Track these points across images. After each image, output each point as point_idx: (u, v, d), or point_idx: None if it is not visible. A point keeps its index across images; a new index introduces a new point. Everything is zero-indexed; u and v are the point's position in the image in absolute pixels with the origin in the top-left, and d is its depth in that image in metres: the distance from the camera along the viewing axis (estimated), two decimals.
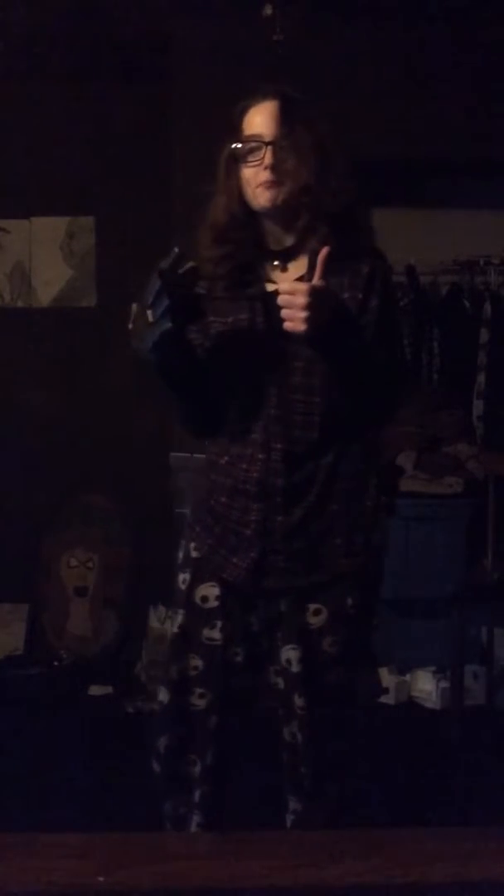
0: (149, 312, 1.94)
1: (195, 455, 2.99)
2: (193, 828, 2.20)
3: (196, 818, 2.20)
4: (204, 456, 2.26)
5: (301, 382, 2.05)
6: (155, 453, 4.03)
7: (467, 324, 4.66)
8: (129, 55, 4.46)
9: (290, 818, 2.18)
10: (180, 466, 3.94)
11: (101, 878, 1.27)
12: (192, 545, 2.19)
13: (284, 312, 1.90)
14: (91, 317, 4.80)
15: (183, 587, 2.19)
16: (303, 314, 1.87)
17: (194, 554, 2.19)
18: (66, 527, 4.74)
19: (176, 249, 1.94)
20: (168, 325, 1.93)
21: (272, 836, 1.57)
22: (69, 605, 4.69)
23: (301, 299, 1.87)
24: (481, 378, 4.62)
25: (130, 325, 2.00)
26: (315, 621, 2.10)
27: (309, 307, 1.87)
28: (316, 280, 1.91)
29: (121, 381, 4.70)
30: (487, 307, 4.65)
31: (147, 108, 4.66)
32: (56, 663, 4.54)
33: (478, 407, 4.62)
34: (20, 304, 4.84)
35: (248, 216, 2.11)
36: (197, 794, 2.20)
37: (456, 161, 4.48)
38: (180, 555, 2.23)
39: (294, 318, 1.89)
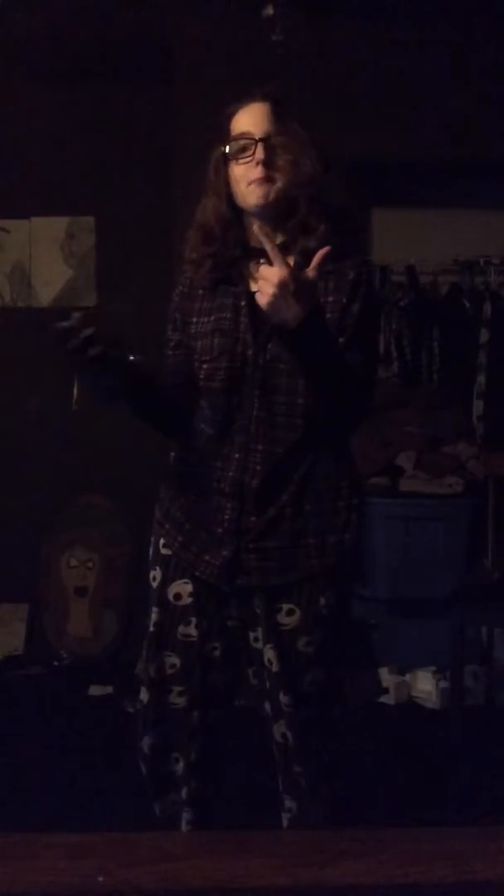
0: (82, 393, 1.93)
1: None
2: (184, 826, 2.21)
3: (186, 815, 2.21)
4: None
5: (285, 384, 2.04)
6: (155, 453, 4.02)
7: (467, 324, 4.66)
8: (129, 55, 4.46)
9: (285, 817, 2.19)
10: None
11: (100, 878, 1.27)
12: (162, 542, 2.19)
13: (259, 283, 1.87)
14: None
15: (154, 584, 2.20)
16: (271, 290, 1.83)
17: (164, 551, 2.19)
18: (66, 527, 4.74)
19: (75, 314, 1.89)
20: (110, 389, 1.93)
21: (272, 835, 1.57)
22: (69, 605, 4.69)
23: (274, 278, 1.83)
24: (481, 378, 4.62)
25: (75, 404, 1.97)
26: (288, 621, 2.10)
27: (279, 287, 1.82)
28: (310, 271, 1.86)
29: None
30: (487, 307, 4.65)
31: (147, 108, 4.66)
32: (56, 663, 4.54)
33: (478, 407, 4.62)
34: (20, 304, 4.84)
35: (235, 216, 2.10)
36: (184, 792, 2.21)
37: (456, 161, 4.48)
38: (150, 551, 2.23)
39: (264, 292, 1.86)
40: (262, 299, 1.86)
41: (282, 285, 1.83)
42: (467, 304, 4.70)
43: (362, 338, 2.06)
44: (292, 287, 1.83)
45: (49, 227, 4.81)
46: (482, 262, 4.75)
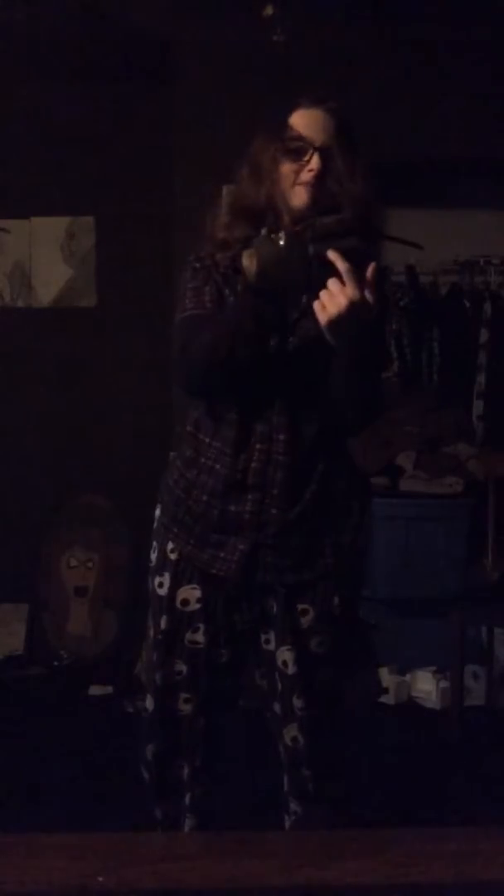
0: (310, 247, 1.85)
1: None
2: (187, 831, 2.20)
3: (189, 822, 2.19)
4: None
5: (306, 375, 2.02)
6: (155, 453, 4.03)
7: (467, 324, 4.66)
8: (129, 55, 4.46)
9: (289, 820, 2.17)
10: None
11: (101, 878, 1.27)
12: (170, 546, 2.14)
13: (324, 297, 1.85)
14: (91, 317, 4.80)
15: (161, 591, 2.14)
16: (335, 311, 1.83)
17: (172, 556, 2.14)
18: (66, 527, 4.74)
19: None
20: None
21: (272, 836, 1.57)
22: (69, 605, 4.69)
23: (345, 300, 1.82)
24: (481, 378, 4.62)
25: (256, 258, 1.86)
26: (302, 621, 2.08)
27: (349, 309, 1.82)
28: (370, 295, 1.85)
29: (121, 382, 4.71)
30: (487, 307, 4.65)
31: (147, 108, 4.66)
32: (56, 663, 4.54)
33: (478, 407, 4.63)
34: (20, 304, 4.84)
35: (274, 207, 2.05)
36: (188, 798, 2.19)
37: (456, 161, 4.48)
38: (154, 557, 2.18)
39: (328, 309, 1.84)
40: (324, 316, 1.85)
41: (351, 307, 1.82)
42: (467, 304, 4.70)
43: (376, 333, 2.04)
44: (360, 310, 1.83)
45: (49, 227, 4.81)
46: (482, 262, 4.76)
